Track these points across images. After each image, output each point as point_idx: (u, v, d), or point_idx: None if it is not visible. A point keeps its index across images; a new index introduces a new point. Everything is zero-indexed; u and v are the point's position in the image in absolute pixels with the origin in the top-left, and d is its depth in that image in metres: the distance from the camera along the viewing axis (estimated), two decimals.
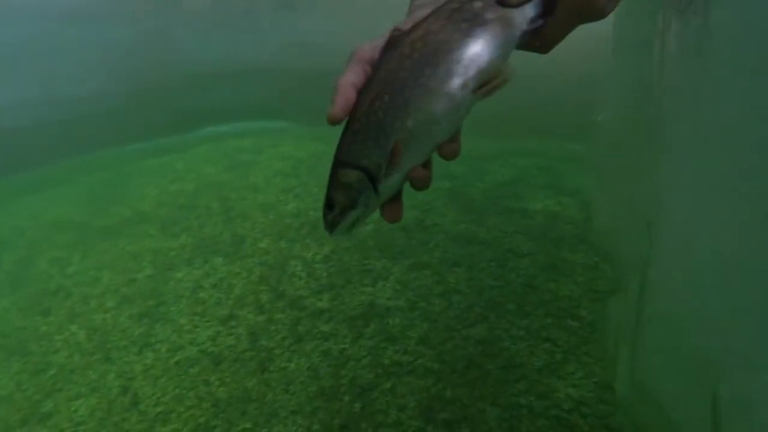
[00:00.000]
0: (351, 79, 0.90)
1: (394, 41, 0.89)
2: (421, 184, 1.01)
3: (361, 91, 0.88)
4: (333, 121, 0.90)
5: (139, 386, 5.38)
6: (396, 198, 1.05)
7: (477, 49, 0.82)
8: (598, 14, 0.87)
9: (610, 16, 0.98)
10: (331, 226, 1.03)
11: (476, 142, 8.60)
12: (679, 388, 2.81)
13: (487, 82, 0.84)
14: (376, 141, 0.85)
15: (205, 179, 9.47)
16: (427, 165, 1.02)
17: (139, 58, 11.71)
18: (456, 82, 0.81)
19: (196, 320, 5.97)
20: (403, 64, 0.83)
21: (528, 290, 5.80)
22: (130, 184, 9.56)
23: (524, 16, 0.90)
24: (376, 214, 1.04)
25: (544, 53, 1.07)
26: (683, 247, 2.90)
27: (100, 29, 11.26)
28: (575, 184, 7.82)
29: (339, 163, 0.93)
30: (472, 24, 0.83)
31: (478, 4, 0.86)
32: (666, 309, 3.07)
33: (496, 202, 7.60)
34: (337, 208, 0.97)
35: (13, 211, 9.17)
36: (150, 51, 11.88)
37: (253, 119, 12.05)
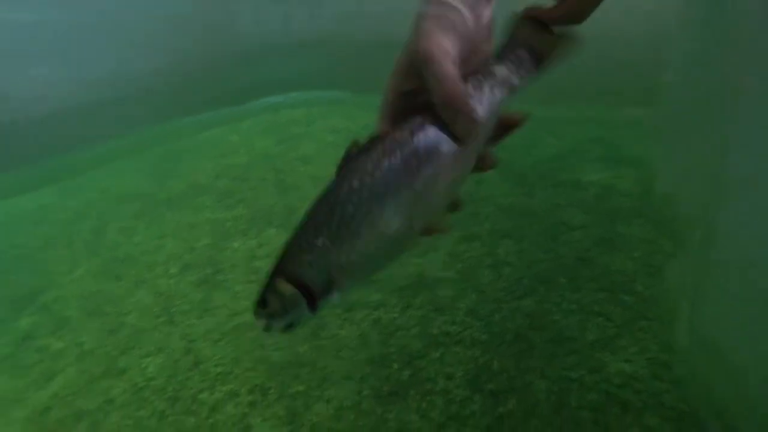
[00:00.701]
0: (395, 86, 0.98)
1: (349, 160, 0.94)
2: (488, 167, 1.11)
3: (313, 207, 0.92)
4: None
5: (200, 348, 5.72)
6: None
7: (430, 191, 0.85)
8: None
9: None
10: (263, 325, 0.99)
11: (527, 111, 8.37)
12: (745, 335, 2.76)
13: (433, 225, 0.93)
14: (319, 265, 0.85)
15: (258, 152, 9.71)
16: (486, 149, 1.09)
17: (196, 31, 11.98)
18: (405, 225, 0.85)
19: (252, 288, 6.24)
20: (351, 196, 0.84)
21: (580, 264, 5.69)
22: (188, 158, 9.95)
23: (486, 133, 0.97)
24: None
25: (579, 23, 1.04)
26: (750, 195, 2.79)
27: (157, 3, 11.54)
28: (633, 154, 7.49)
29: (278, 271, 0.91)
30: (428, 157, 0.84)
31: (431, 133, 0.86)
32: (731, 257, 3.00)
33: (547, 174, 7.42)
34: (269, 311, 0.93)
35: (85, 184, 9.77)
36: (207, 24, 12.12)
37: (307, 89, 12.15)
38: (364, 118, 10.03)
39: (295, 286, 0.87)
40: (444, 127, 0.85)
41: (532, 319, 5.05)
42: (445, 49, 0.83)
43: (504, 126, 1.07)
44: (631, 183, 6.89)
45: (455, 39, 0.88)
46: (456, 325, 5.16)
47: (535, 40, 0.97)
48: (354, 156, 0.93)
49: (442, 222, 0.97)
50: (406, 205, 0.84)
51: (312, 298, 0.90)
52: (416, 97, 0.97)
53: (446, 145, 0.86)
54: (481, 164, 1.13)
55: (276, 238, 6.95)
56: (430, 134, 0.86)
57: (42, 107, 10.55)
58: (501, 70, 0.94)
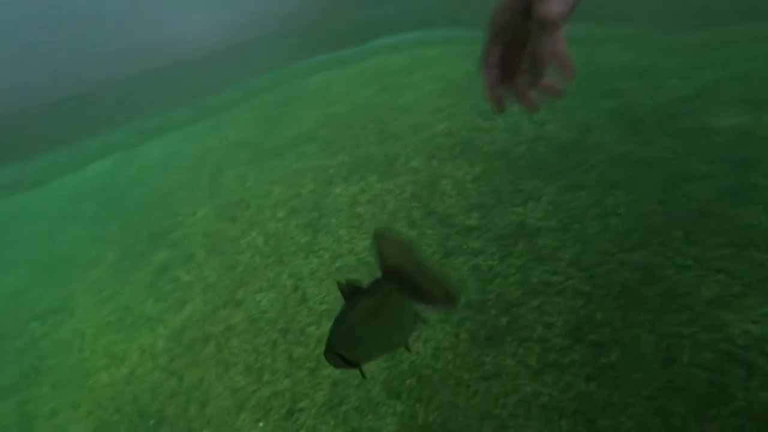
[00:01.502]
0: (491, 60, 1.11)
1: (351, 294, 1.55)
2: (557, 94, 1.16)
3: (340, 312, 1.56)
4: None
5: (307, 286, 6.16)
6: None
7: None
8: None
9: None
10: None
11: (651, 52, 7.65)
12: None
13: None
14: (345, 347, 1.50)
15: (359, 101, 9.88)
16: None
17: None
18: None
19: (354, 232, 6.53)
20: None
21: (700, 217, 5.23)
22: (294, 107, 10.39)
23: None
24: None
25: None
26: None
27: None
28: None
29: (328, 347, 1.55)
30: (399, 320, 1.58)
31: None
32: None
33: (669, 120, 6.77)
34: (330, 364, 1.65)
35: (206, 133, 10.63)
36: None
37: (424, 28, 11.93)
38: (464, 65, 9.74)
39: (337, 355, 1.52)
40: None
41: (642, 272, 4.79)
42: (561, 12, 0.95)
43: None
44: None
45: None
46: (557, 275, 5.05)
47: None
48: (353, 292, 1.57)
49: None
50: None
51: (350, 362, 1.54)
52: (514, 31, 1.08)
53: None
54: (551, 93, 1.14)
55: (377, 185, 7.14)
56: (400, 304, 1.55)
57: (170, 57, 11.41)
58: None
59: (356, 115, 9.14)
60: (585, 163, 6.35)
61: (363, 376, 1.76)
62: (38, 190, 13.22)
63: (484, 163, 6.66)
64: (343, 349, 1.49)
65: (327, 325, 5.59)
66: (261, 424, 5.14)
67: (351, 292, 1.60)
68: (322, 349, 5.41)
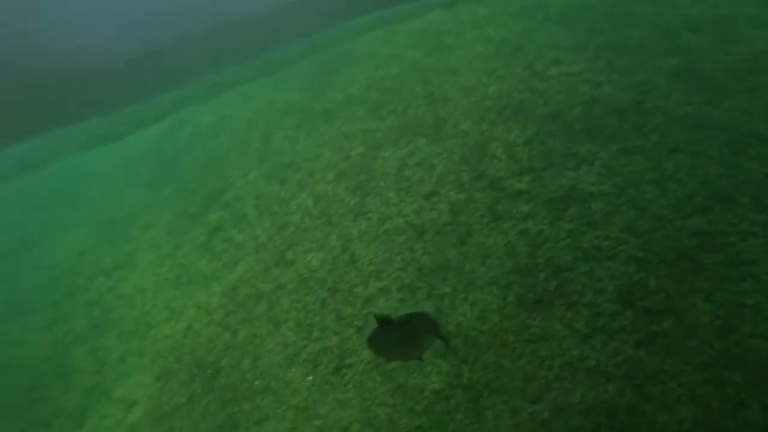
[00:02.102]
0: None
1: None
2: None
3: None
4: None
5: (355, 247, 6.26)
6: None
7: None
8: None
9: None
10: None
11: (726, 2, 7.12)
12: None
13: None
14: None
15: (408, 64, 9.72)
16: None
17: None
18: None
19: (402, 195, 6.54)
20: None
21: None
22: (342, 71, 10.34)
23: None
24: None
25: None
26: None
27: None
28: None
29: (369, 345, 3.43)
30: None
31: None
32: None
33: (742, 78, 6.31)
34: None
35: (256, 97, 10.80)
36: None
37: None
38: (516, 25, 9.36)
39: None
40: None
41: (702, 239, 4.59)
42: None
43: None
44: None
45: None
46: (609, 241, 4.91)
47: None
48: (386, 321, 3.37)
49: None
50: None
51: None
52: None
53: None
54: None
55: (425, 148, 7.08)
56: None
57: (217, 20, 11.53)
58: None
59: (405, 77, 9.02)
60: (644, 125, 6.06)
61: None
62: (100, 150, 13.91)
63: (536, 125, 6.46)
64: (375, 353, 3.00)
65: (375, 286, 5.70)
66: (310, 377, 5.36)
67: (383, 321, 3.04)
68: (369, 308, 5.54)
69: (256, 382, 5.67)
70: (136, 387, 6.66)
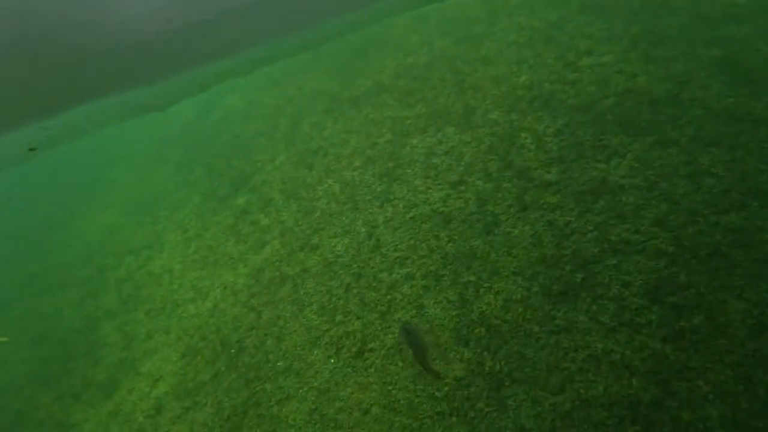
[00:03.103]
0: None
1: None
2: None
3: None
4: None
5: (381, 233, 6.28)
6: None
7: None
8: None
9: None
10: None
11: None
12: None
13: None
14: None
15: (438, 52, 9.63)
16: None
17: None
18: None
19: (429, 183, 6.53)
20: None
21: None
22: (371, 57, 10.31)
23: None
24: None
25: None
26: None
27: None
28: None
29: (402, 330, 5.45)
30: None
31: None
32: None
33: None
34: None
35: (283, 82, 10.87)
36: None
37: None
38: (549, 14, 9.17)
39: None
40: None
41: (737, 235, 4.47)
42: None
43: None
44: None
45: None
46: (639, 234, 4.82)
47: None
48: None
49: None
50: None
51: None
52: None
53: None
54: None
55: (454, 137, 7.04)
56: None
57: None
58: None
59: (435, 65, 8.96)
60: (679, 118, 5.91)
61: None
62: (142, 121, 14.17)
63: (567, 116, 6.36)
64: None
65: (399, 272, 5.74)
66: (332, 360, 5.43)
67: (409, 329, 4.43)
68: (393, 294, 5.57)
69: (279, 363, 5.77)
70: (162, 363, 6.85)
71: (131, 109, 14.59)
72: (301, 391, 5.35)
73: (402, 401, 4.70)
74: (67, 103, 15.59)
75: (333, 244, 6.53)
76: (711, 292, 4.16)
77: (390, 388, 4.85)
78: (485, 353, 4.63)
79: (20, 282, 11.27)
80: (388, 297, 5.59)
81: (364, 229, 6.46)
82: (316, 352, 5.62)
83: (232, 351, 6.28)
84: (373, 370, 5.10)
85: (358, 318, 5.60)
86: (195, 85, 13.31)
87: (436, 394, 4.59)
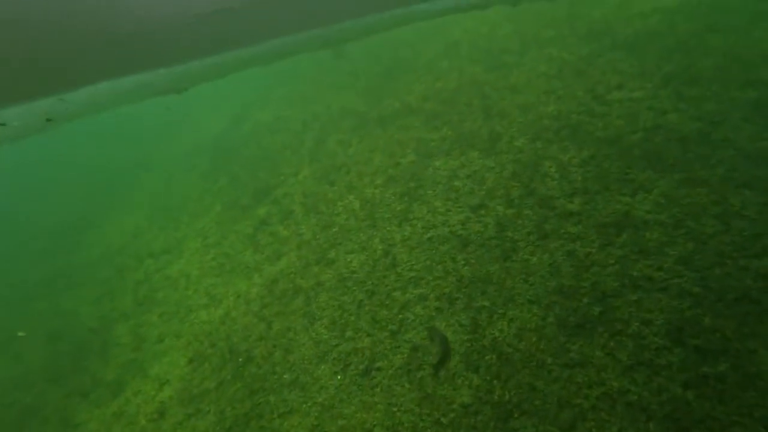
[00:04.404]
0: None
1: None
2: None
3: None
4: None
5: (397, 252, 6.23)
6: None
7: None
8: None
9: None
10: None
11: None
12: None
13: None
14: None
15: (467, 78, 9.69)
16: None
17: None
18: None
19: (449, 205, 6.48)
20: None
21: None
22: (401, 79, 10.42)
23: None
24: None
25: None
26: None
27: None
28: None
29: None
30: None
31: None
32: None
33: None
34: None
35: (312, 98, 11.04)
36: None
37: None
38: (581, 49, 9.15)
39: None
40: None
41: (767, 281, 4.29)
42: None
43: None
44: None
45: None
46: (662, 272, 4.67)
47: None
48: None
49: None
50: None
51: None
52: None
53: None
54: None
55: (477, 161, 7.00)
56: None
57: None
58: None
59: (463, 90, 9.00)
60: (710, 157, 5.78)
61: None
62: (160, 102, 14.50)
63: (593, 148, 6.28)
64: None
65: (413, 292, 5.67)
66: (339, 377, 5.34)
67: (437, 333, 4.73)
68: (405, 314, 5.49)
69: (285, 375, 5.70)
70: (170, 367, 6.84)
71: (150, 90, 14.96)
72: (304, 405, 5.26)
73: (406, 424, 4.57)
74: (88, 79, 15.99)
75: (349, 259, 6.50)
76: (739, 338, 3.98)
77: (395, 409, 4.73)
78: (495, 381, 4.49)
79: (47, 277, 11.50)
80: (400, 316, 5.50)
81: (381, 247, 6.42)
82: (323, 367, 5.54)
83: (240, 360, 6.24)
84: (379, 389, 4.99)
85: (368, 335, 5.52)
86: (212, 72, 13.60)
87: (442, 419, 4.45)
